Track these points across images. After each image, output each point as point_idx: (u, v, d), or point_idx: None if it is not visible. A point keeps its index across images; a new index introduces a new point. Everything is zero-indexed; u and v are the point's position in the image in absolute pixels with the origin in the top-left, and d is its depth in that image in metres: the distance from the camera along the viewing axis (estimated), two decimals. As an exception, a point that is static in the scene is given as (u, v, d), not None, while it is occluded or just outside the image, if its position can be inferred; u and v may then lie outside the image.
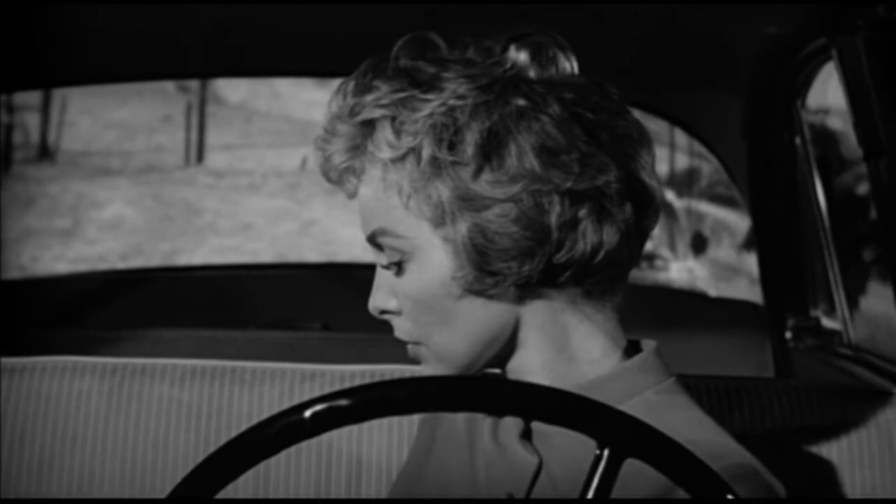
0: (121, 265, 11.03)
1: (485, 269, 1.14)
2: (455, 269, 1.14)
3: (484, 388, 0.93)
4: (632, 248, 1.18)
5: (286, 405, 0.97)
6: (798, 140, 2.37)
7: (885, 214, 1.71)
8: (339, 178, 1.19)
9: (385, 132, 1.14)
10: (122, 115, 19.34)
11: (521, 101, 1.13)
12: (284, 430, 0.90)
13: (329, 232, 14.11)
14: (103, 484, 1.59)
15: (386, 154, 1.14)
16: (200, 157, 18.27)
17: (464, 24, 1.20)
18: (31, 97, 16.87)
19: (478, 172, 1.12)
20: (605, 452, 0.92)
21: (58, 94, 17.30)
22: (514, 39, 1.18)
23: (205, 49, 2.32)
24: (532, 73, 1.16)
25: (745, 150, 2.42)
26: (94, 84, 2.71)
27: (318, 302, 3.09)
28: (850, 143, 1.77)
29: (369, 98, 1.15)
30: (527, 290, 1.16)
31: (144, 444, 1.60)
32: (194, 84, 18.72)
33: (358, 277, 3.29)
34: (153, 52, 2.29)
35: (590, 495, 0.91)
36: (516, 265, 1.13)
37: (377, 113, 1.14)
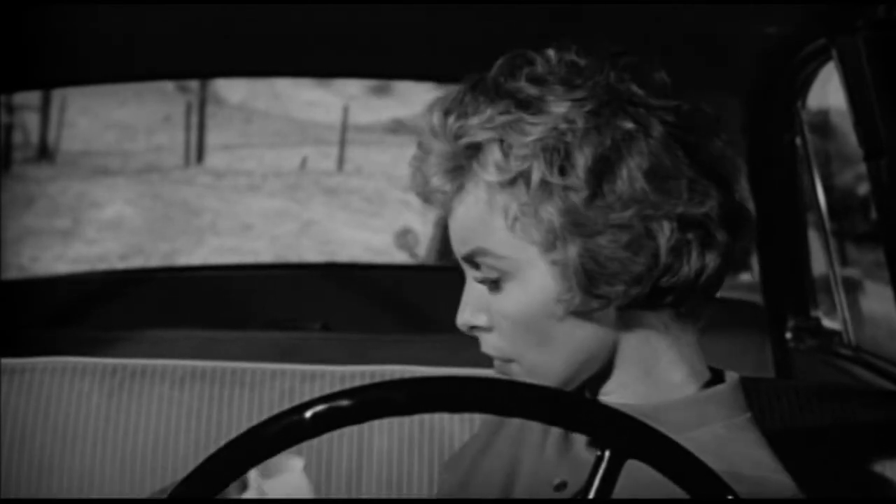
0: (120, 265, 11.03)
1: (592, 292, 1.13)
2: (561, 292, 1.14)
3: (484, 389, 0.93)
4: (725, 270, 1.18)
5: (286, 406, 0.97)
6: (798, 140, 2.37)
7: (885, 214, 1.71)
8: (433, 197, 1.19)
9: (494, 155, 1.13)
10: (122, 116, 19.34)
11: (630, 125, 1.12)
12: (285, 430, 0.90)
13: (328, 232, 14.11)
14: (103, 484, 1.59)
15: (494, 177, 1.14)
16: (200, 157, 18.27)
17: (465, 24, 1.20)
18: (31, 97, 16.87)
19: (590, 197, 1.11)
20: (607, 454, 0.92)
21: (57, 94, 17.31)
22: (609, 58, 1.17)
23: (205, 49, 2.32)
24: (631, 96, 1.15)
25: (745, 150, 2.42)
26: (93, 84, 2.71)
27: (318, 302, 3.09)
28: (851, 142, 1.77)
29: (475, 121, 1.14)
30: (626, 313, 1.16)
31: (144, 445, 1.60)
32: (194, 84, 18.73)
33: (358, 278, 3.30)
34: (153, 52, 2.29)
35: (591, 496, 0.92)
36: (624, 289, 1.13)
37: (484, 136, 1.14)
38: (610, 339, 1.17)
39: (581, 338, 1.16)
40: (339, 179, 16.99)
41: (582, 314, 1.15)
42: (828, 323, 2.48)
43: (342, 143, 18.54)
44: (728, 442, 1.16)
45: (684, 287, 1.15)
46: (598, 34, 1.19)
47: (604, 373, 1.19)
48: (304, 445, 1.55)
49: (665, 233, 1.12)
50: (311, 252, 13.14)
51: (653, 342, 1.18)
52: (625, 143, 1.12)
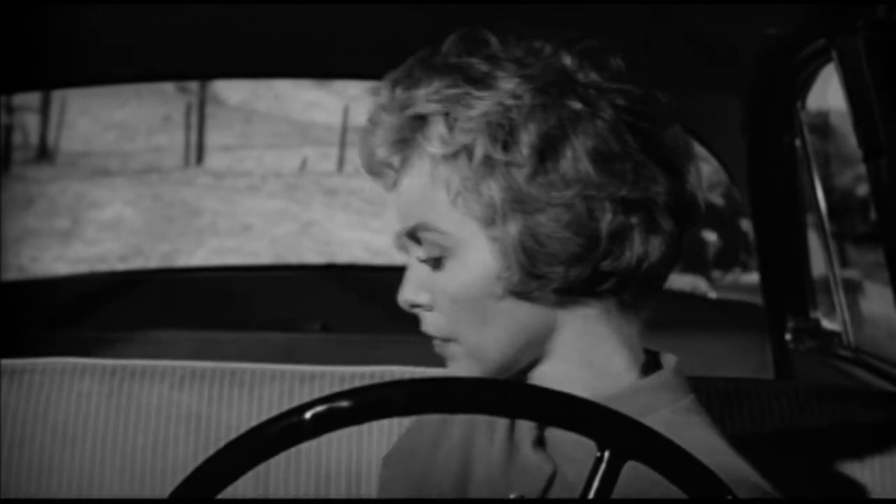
0: (120, 266, 11.05)
1: (531, 271, 1.13)
2: (500, 270, 1.14)
3: (483, 390, 0.93)
4: (671, 261, 1.17)
5: (286, 407, 0.97)
6: (798, 141, 2.37)
7: (885, 215, 1.71)
8: (379, 169, 1.18)
9: (438, 127, 1.13)
10: (122, 116, 19.36)
11: (578, 105, 1.12)
12: (285, 431, 0.90)
13: (328, 233, 14.12)
14: (103, 485, 1.59)
15: (437, 150, 1.13)
16: (200, 157, 18.29)
17: (465, 26, 1.20)
18: (31, 98, 16.90)
19: (532, 175, 1.11)
20: (606, 454, 0.92)
21: (57, 95, 17.34)
22: (565, 42, 1.17)
23: (205, 50, 2.32)
24: (583, 77, 1.15)
25: (745, 150, 2.42)
26: (93, 85, 2.71)
27: (317, 303, 3.09)
28: (851, 143, 1.77)
29: (421, 92, 1.14)
30: (567, 296, 1.15)
31: (144, 446, 1.60)
32: (194, 85, 18.76)
33: (357, 279, 3.30)
34: (153, 52, 2.29)
35: (591, 496, 0.91)
36: (563, 270, 1.13)
37: (430, 108, 1.13)
38: (551, 322, 1.16)
39: (521, 319, 1.15)
40: (339, 180, 17.01)
41: (522, 294, 1.14)
42: (827, 324, 2.47)
43: (342, 144, 18.55)
44: (679, 428, 1.15)
45: (626, 273, 1.14)
46: (597, 34, 1.19)
47: (540, 360, 1.18)
48: (304, 445, 1.55)
49: (607, 215, 1.12)
50: (310, 253, 13.16)
51: (594, 329, 1.17)
52: (571, 123, 1.11)
